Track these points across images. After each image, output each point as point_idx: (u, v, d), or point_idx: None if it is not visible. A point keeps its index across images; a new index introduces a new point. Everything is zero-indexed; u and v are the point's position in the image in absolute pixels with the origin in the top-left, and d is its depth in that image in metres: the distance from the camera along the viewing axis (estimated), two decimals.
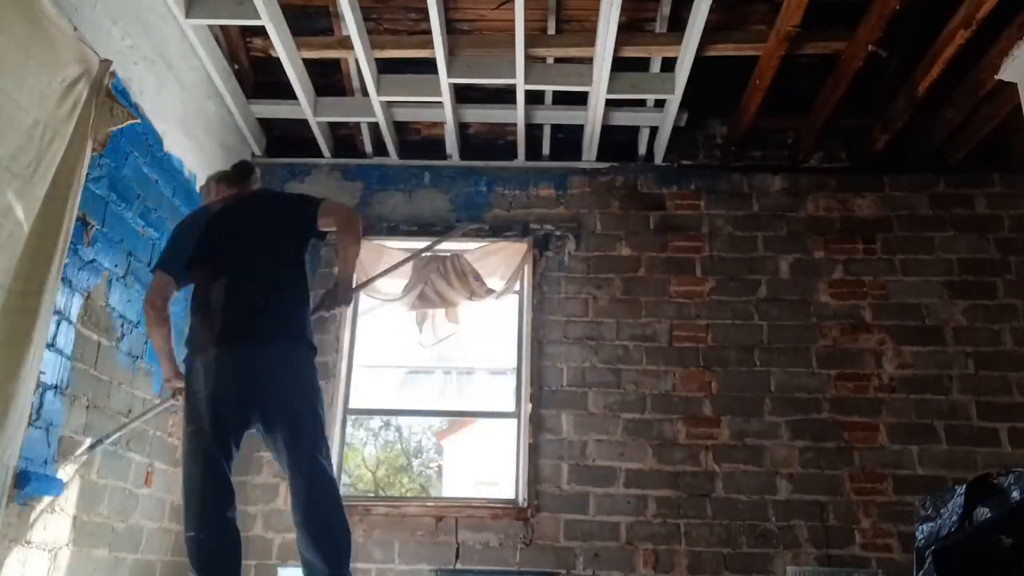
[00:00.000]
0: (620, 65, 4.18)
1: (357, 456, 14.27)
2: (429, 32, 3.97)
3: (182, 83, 3.94)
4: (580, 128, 4.75)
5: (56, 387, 2.90)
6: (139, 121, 3.30)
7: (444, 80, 4.26)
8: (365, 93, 4.55)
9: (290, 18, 4.04)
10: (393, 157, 4.96)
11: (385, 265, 4.74)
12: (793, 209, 4.80)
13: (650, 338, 4.56)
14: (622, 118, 4.70)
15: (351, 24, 3.87)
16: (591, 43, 4.08)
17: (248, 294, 2.78)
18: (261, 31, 4.03)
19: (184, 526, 2.65)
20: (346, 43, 4.18)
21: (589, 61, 4.23)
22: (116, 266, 3.32)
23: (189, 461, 2.70)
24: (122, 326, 3.39)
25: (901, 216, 4.75)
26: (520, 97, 4.41)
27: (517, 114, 4.56)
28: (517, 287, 4.77)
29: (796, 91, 4.49)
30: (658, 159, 4.88)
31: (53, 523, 2.93)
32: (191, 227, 2.99)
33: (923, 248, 4.67)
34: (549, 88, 4.49)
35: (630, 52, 4.15)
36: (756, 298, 4.62)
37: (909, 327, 4.52)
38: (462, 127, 4.88)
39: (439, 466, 15.53)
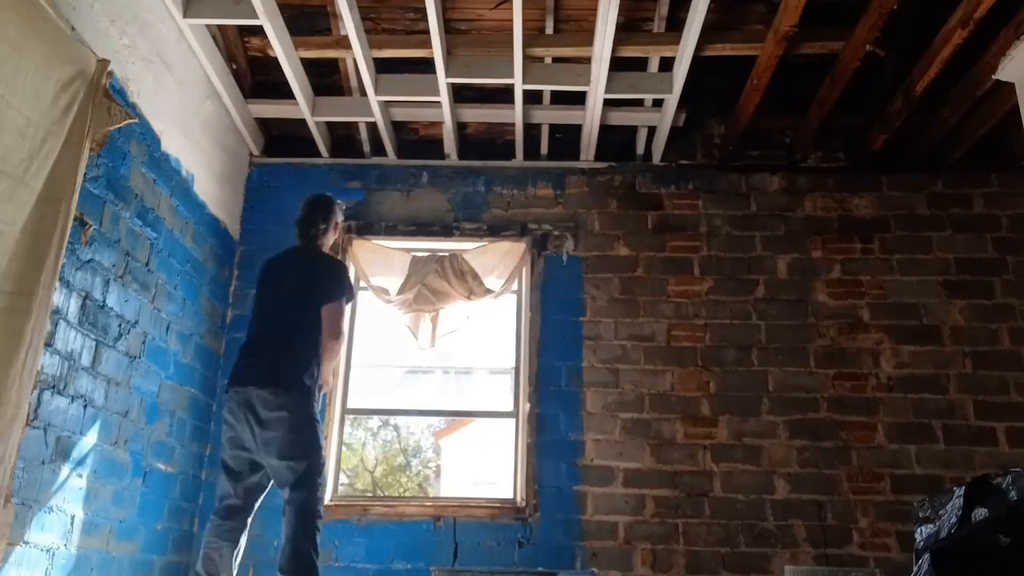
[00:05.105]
0: (618, 65, 4.18)
1: (355, 456, 14.27)
2: (427, 32, 3.98)
3: (180, 83, 3.94)
4: (578, 128, 4.75)
5: (54, 387, 2.90)
6: (137, 121, 3.28)
7: (442, 80, 4.26)
8: (363, 93, 4.54)
9: (288, 18, 4.04)
10: (391, 157, 4.95)
11: (384, 264, 4.75)
12: (791, 209, 4.80)
13: (648, 338, 4.56)
14: (620, 118, 4.70)
15: (349, 24, 3.87)
16: (589, 43, 4.08)
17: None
18: (259, 31, 4.03)
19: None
20: (344, 43, 4.19)
21: (587, 61, 4.23)
22: (114, 266, 3.31)
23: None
24: (119, 326, 3.38)
25: (899, 216, 4.75)
26: (518, 97, 4.41)
27: (515, 114, 4.56)
28: (515, 287, 4.77)
29: (794, 91, 4.49)
30: (656, 159, 4.88)
31: (52, 523, 2.92)
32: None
33: (921, 248, 4.68)
34: (547, 88, 4.49)
35: (628, 52, 4.15)
36: (754, 298, 4.62)
37: (907, 327, 4.53)
38: (460, 127, 4.87)
39: (437, 466, 15.53)
